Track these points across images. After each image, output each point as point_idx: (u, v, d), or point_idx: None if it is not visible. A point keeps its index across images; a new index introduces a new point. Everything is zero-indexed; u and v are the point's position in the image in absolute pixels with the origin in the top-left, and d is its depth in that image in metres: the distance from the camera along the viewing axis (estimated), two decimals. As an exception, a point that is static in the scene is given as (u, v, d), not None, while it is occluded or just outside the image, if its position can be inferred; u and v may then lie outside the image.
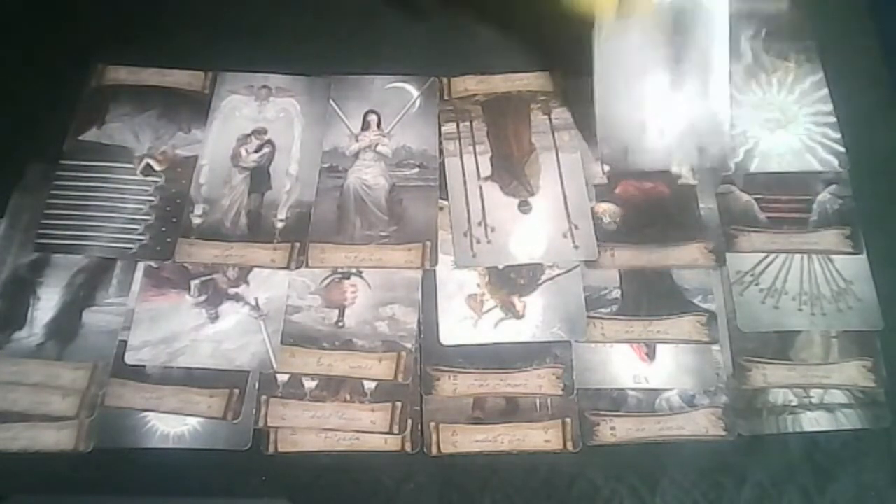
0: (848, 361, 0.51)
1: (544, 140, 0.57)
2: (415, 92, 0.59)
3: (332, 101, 0.59)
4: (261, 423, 0.49)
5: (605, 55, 0.53)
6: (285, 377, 0.50)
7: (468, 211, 0.54)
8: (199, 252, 0.53)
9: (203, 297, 0.52)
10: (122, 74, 0.60)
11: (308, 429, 0.49)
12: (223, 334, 0.51)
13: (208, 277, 0.53)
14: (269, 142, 0.57)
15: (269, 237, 0.54)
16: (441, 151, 0.57)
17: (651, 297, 0.52)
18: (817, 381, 0.50)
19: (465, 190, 0.55)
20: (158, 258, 0.53)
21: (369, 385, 0.50)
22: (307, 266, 0.53)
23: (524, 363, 0.50)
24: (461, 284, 0.52)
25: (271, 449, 0.49)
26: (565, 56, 0.58)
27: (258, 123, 0.58)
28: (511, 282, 0.52)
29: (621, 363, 0.51)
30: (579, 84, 0.56)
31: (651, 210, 0.55)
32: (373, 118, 0.58)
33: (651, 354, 0.51)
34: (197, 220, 0.54)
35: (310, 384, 0.50)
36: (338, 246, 0.53)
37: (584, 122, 0.57)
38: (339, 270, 0.53)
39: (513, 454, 0.48)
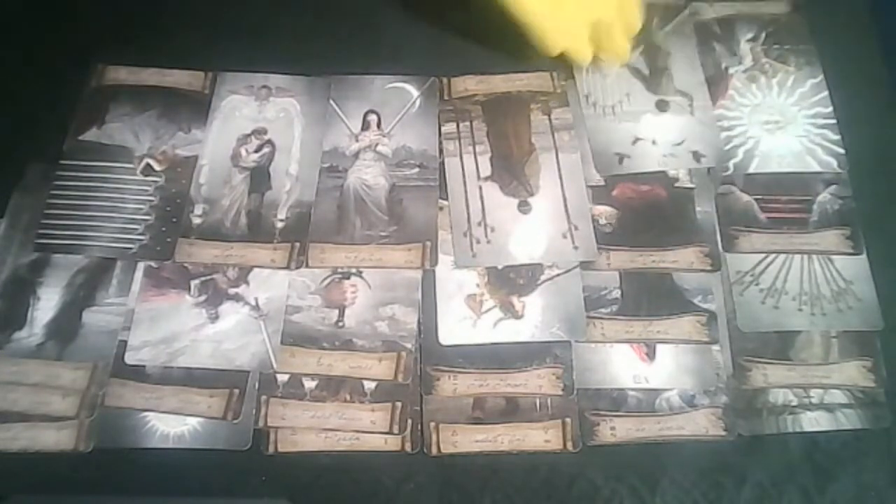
0: (848, 361, 0.51)
1: (544, 140, 0.57)
2: (415, 92, 0.59)
3: (332, 101, 0.59)
4: (261, 423, 0.49)
5: (589, 82, 0.58)
6: (285, 377, 0.50)
7: (468, 211, 0.54)
8: (199, 252, 0.53)
9: (203, 297, 0.52)
10: (122, 74, 0.60)
11: (308, 429, 0.49)
12: (223, 334, 0.51)
13: (208, 277, 0.53)
14: (269, 142, 0.57)
15: (269, 237, 0.54)
16: (441, 151, 0.57)
17: (651, 297, 0.52)
18: (817, 381, 0.50)
19: (465, 190, 0.55)
20: (158, 258, 0.53)
21: (369, 385, 0.50)
22: (307, 266, 0.53)
23: (524, 363, 0.50)
24: (461, 284, 0.52)
25: (271, 449, 0.49)
26: (565, 56, 0.58)
27: (258, 123, 0.58)
28: (510, 282, 0.52)
29: (621, 363, 0.51)
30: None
31: (647, 213, 0.55)
32: (373, 118, 0.58)
33: (651, 354, 0.51)
34: (197, 220, 0.54)
35: (310, 384, 0.50)
36: (338, 246, 0.53)
37: (581, 122, 0.58)
38: (339, 270, 0.53)
39: (513, 454, 0.48)
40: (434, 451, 0.48)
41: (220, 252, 0.53)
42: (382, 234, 0.54)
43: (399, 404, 0.49)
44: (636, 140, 0.56)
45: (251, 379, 0.50)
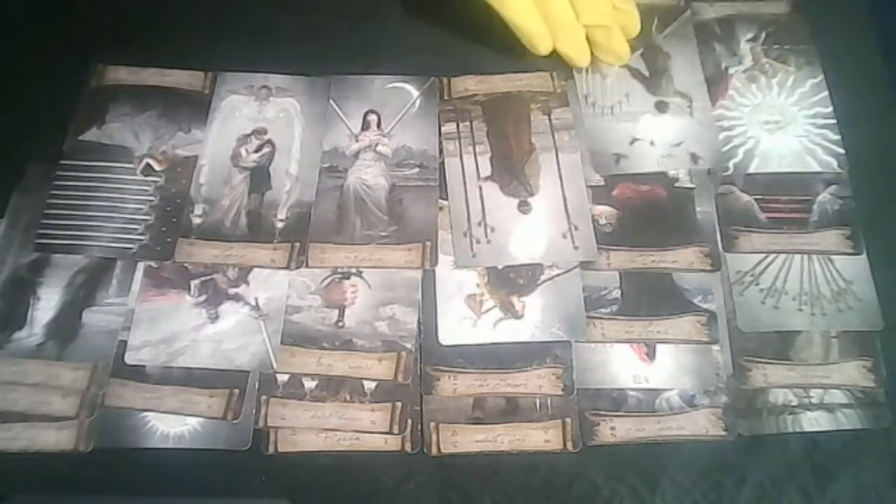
0: (848, 361, 0.51)
1: (544, 140, 0.57)
2: (415, 92, 0.59)
3: (332, 101, 0.59)
4: (261, 423, 0.49)
5: (589, 82, 0.58)
6: (285, 377, 0.50)
7: (468, 211, 0.54)
8: (199, 252, 0.53)
9: (203, 297, 0.52)
10: (122, 74, 0.60)
11: (308, 429, 0.49)
12: (223, 334, 0.51)
13: (208, 277, 0.53)
14: (269, 142, 0.57)
15: (269, 237, 0.54)
16: (441, 151, 0.57)
17: (651, 297, 0.52)
18: (817, 381, 0.50)
19: (465, 190, 0.55)
20: (158, 258, 0.53)
21: (369, 385, 0.50)
22: (307, 266, 0.53)
23: (524, 363, 0.50)
24: (460, 284, 0.52)
25: (271, 449, 0.49)
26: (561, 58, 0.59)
27: (258, 123, 0.58)
28: (510, 282, 0.52)
29: (621, 363, 0.51)
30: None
31: (647, 213, 0.55)
32: (373, 118, 0.58)
33: (651, 354, 0.51)
34: (197, 220, 0.54)
35: (310, 384, 0.50)
36: (338, 246, 0.53)
37: (580, 122, 0.58)
38: (339, 270, 0.53)
39: (513, 454, 0.48)
40: (434, 451, 0.48)
41: (220, 252, 0.53)
42: (382, 234, 0.54)
43: (399, 404, 0.49)
44: (634, 140, 0.56)
45: (251, 379, 0.50)
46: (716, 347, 0.51)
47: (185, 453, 0.48)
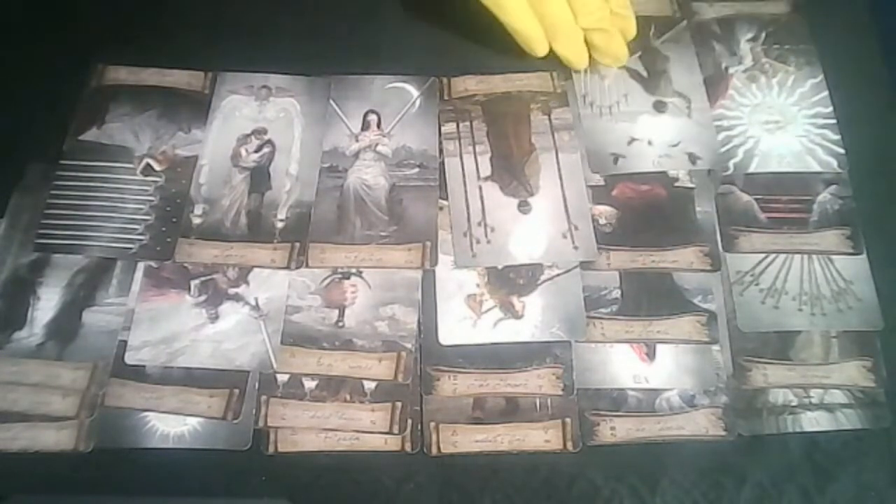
0: (848, 361, 0.51)
1: (544, 140, 0.57)
2: (415, 92, 0.59)
3: (332, 101, 0.59)
4: (261, 423, 0.49)
5: (587, 82, 0.58)
6: (285, 377, 0.50)
7: (468, 211, 0.54)
8: (199, 252, 0.53)
9: (203, 297, 0.52)
10: (122, 74, 0.60)
11: (308, 429, 0.49)
12: (223, 334, 0.51)
13: (208, 277, 0.53)
14: (269, 142, 0.57)
15: (269, 237, 0.54)
16: (441, 151, 0.57)
17: (651, 297, 0.52)
18: (817, 381, 0.50)
19: (465, 190, 0.55)
20: (158, 258, 0.53)
21: (369, 385, 0.50)
22: (307, 266, 0.53)
23: (524, 363, 0.50)
24: (460, 284, 0.52)
25: (271, 449, 0.49)
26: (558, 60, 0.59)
27: (258, 123, 0.58)
28: (510, 282, 0.52)
29: (621, 363, 0.51)
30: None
31: (647, 213, 0.55)
32: (373, 118, 0.58)
33: (651, 354, 0.51)
34: (197, 220, 0.54)
35: (310, 384, 0.50)
36: (338, 246, 0.53)
37: (578, 122, 0.58)
38: (339, 270, 0.53)
39: (513, 454, 0.48)
40: (434, 451, 0.48)
41: (220, 252, 0.53)
42: (382, 234, 0.54)
43: (399, 404, 0.49)
44: (632, 140, 0.56)
45: (251, 379, 0.50)
46: (716, 347, 0.51)
47: (185, 453, 0.48)
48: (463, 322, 0.51)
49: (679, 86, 0.58)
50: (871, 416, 0.50)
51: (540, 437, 0.49)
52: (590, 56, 0.58)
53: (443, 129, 0.57)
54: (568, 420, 0.49)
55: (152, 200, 0.55)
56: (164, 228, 0.54)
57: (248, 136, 0.57)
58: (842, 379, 0.50)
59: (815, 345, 0.51)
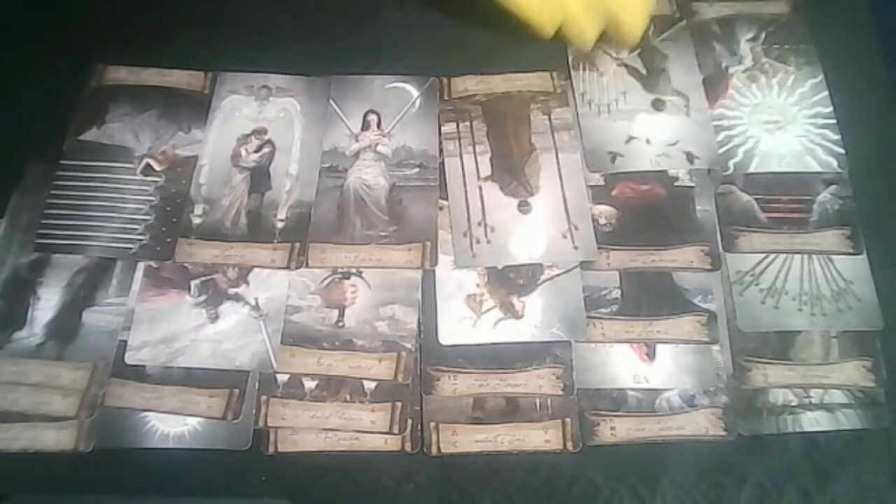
0: (848, 361, 0.51)
1: (544, 140, 0.57)
2: (415, 92, 0.59)
3: (332, 101, 0.59)
4: (261, 423, 0.49)
5: (586, 80, 0.58)
6: (285, 377, 0.50)
7: (468, 211, 0.54)
8: (199, 252, 0.53)
9: (203, 297, 0.52)
10: (122, 74, 0.60)
11: (308, 429, 0.49)
12: (223, 334, 0.51)
13: (208, 277, 0.53)
14: (269, 142, 0.57)
15: (269, 237, 0.54)
16: (441, 151, 0.57)
17: (651, 297, 0.52)
18: (817, 381, 0.50)
19: (465, 190, 0.55)
20: (158, 258, 0.53)
21: (369, 385, 0.50)
22: (307, 266, 0.53)
23: (524, 363, 0.50)
24: (461, 284, 0.52)
25: (271, 449, 0.49)
26: (564, 56, 0.59)
27: (258, 123, 0.58)
28: (510, 282, 0.52)
29: (621, 363, 0.51)
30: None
31: (647, 212, 0.55)
32: (373, 118, 0.58)
33: (651, 354, 0.51)
34: (197, 220, 0.54)
35: (310, 384, 0.50)
36: (338, 246, 0.53)
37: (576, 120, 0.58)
38: (339, 270, 0.53)
39: (513, 454, 0.48)
40: (434, 451, 0.48)
41: (220, 252, 0.53)
42: (382, 234, 0.54)
43: (399, 404, 0.49)
44: (630, 139, 0.56)
45: (251, 379, 0.50)
46: (716, 347, 0.51)
47: (185, 453, 0.48)
48: (463, 322, 0.51)
49: (678, 84, 0.58)
50: (871, 416, 0.50)
51: (540, 437, 0.49)
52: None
53: (443, 129, 0.57)
54: (568, 420, 0.49)
55: (152, 200, 0.55)
56: (164, 228, 0.54)
57: (248, 136, 0.57)
58: (842, 379, 0.50)
59: (815, 345, 0.51)
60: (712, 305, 0.52)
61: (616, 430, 0.49)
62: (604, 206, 0.55)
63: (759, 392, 0.50)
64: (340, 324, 0.51)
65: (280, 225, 0.54)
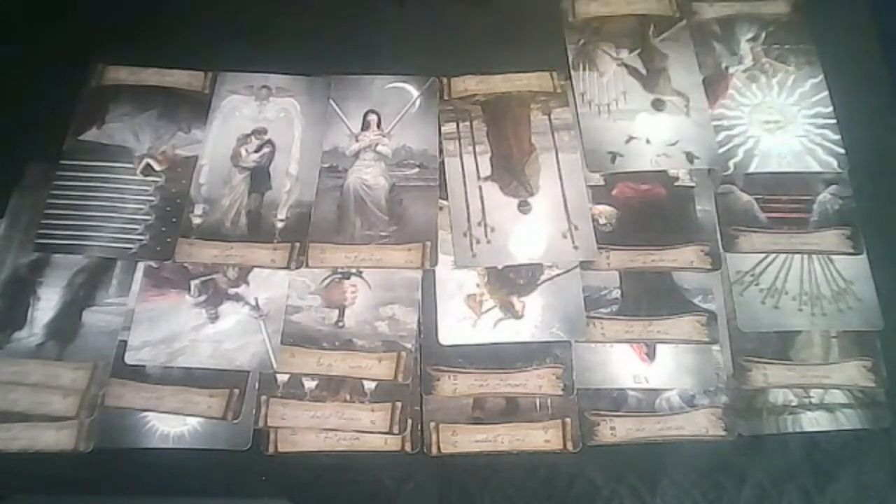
0: (848, 361, 0.51)
1: (544, 140, 0.57)
2: (415, 92, 0.59)
3: (332, 101, 0.59)
4: (261, 423, 0.49)
5: (586, 80, 0.58)
6: (285, 377, 0.50)
7: (468, 211, 0.54)
8: (199, 252, 0.53)
9: (203, 297, 0.52)
10: (122, 74, 0.60)
11: (308, 429, 0.49)
12: (223, 334, 0.51)
13: (208, 277, 0.53)
14: (269, 142, 0.57)
15: (269, 237, 0.54)
16: (441, 151, 0.57)
17: (651, 297, 0.52)
18: (817, 381, 0.50)
19: (465, 190, 0.55)
20: (158, 258, 0.53)
21: (369, 385, 0.50)
22: (307, 266, 0.53)
23: (524, 363, 0.50)
24: (461, 284, 0.52)
25: (271, 449, 0.49)
26: (564, 56, 0.59)
27: (258, 123, 0.58)
28: (510, 282, 0.52)
29: (621, 363, 0.51)
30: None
31: (647, 212, 0.55)
32: (373, 118, 0.58)
33: (651, 354, 0.51)
34: (197, 220, 0.54)
35: (310, 384, 0.50)
36: (338, 246, 0.53)
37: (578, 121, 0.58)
38: (339, 270, 0.53)
39: (513, 454, 0.48)
40: (434, 451, 0.48)
41: (220, 252, 0.53)
42: (382, 234, 0.54)
43: (399, 404, 0.49)
44: (630, 139, 0.56)
45: (251, 379, 0.50)
46: (716, 347, 0.51)
47: (185, 453, 0.48)
48: (463, 322, 0.51)
49: (678, 84, 0.58)
50: (871, 416, 0.50)
51: (540, 437, 0.49)
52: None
53: (443, 129, 0.57)
54: (568, 420, 0.49)
55: (152, 200, 0.55)
56: (164, 228, 0.54)
57: (248, 136, 0.57)
58: (842, 379, 0.50)
59: (815, 345, 0.51)
60: (712, 305, 0.52)
61: (616, 430, 0.49)
62: (604, 205, 0.55)
63: (759, 392, 0.50)
64: (340, 324, 0.51)
65: (280, 225, 0.54)
